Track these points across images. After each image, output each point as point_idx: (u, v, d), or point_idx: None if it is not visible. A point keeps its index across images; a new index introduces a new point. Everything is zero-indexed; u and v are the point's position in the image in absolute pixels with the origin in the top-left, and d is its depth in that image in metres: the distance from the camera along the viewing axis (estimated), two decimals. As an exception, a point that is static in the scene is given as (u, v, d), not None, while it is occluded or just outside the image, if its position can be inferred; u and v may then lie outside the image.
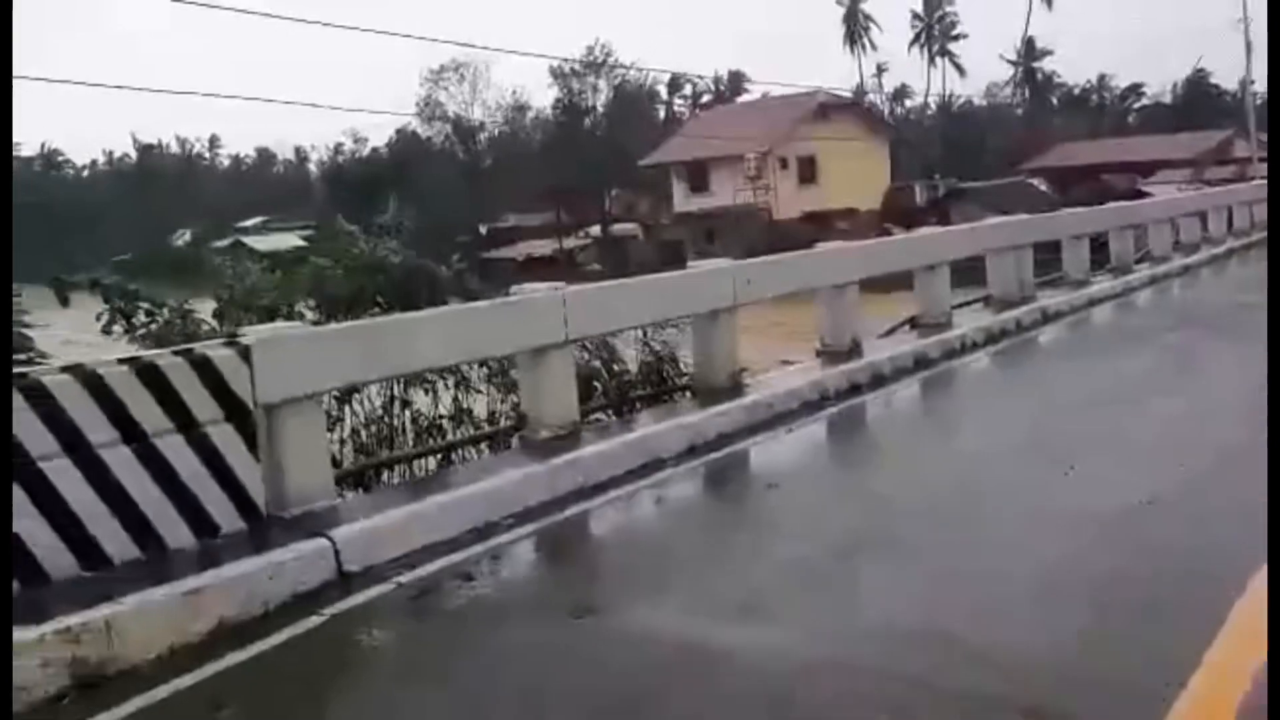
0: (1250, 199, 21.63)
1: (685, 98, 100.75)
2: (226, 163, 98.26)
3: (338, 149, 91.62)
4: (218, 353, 5.50)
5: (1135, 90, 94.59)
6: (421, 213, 54.38)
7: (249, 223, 75.82)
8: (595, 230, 61.06)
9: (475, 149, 75.88)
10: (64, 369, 5.00)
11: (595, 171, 60.04)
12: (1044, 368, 10.50)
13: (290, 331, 6.12)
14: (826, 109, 50.27)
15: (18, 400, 4.72)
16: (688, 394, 8.92)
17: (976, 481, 6.27)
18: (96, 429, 4.96)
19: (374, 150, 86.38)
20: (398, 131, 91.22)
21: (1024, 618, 4.17)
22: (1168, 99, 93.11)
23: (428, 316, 7.10)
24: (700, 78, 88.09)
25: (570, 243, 58.39)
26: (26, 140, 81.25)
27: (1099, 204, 17.38)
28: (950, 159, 63.90)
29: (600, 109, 70.17)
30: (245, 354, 5.56)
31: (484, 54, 66.25)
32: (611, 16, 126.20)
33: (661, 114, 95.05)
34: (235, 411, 5.48)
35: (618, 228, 58.96)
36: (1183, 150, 54.31)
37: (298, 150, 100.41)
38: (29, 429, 4.74)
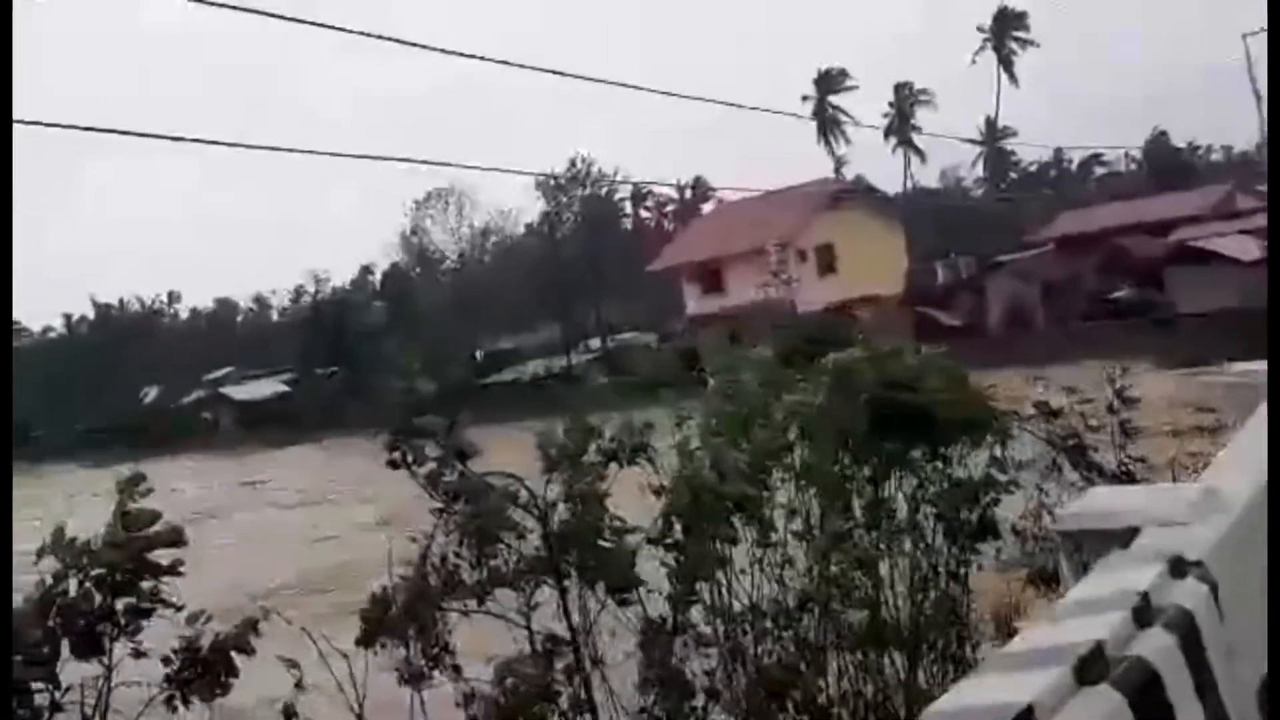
0: None
1: (649, 208, 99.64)
2: (186, 315, 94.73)
3: (299, 292, 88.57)
4: (1190, 591, 2.24)
5: (1096, 159, 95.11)
6: (411, 342, 51.52)
7: (219, 373, 72.16)
8: (595, 343, 58.29)
9: (450, 276, 73.45)
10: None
11: (586, 283, 57.65)
12: None
13: None
14: (839, 196, 48.44)
15: None
16: None
17: None
18: None
19: (335, 289, 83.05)
20: (363, 267, 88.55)
21: None
22: (1120, 167, 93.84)
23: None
24: (676, 184, 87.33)
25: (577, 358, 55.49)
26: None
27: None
28: (947, 238, 62.35)
29: (577, 221, 68.37)
30: (1215, 590, 2.31)
31: (469, 178, 64.81)
32: (578, 129, 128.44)
33: (630, 224, 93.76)
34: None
35: (625, 337, 56.17)
36: (1189, 208, 52.90)
37: (258, 298, 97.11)
38: None
